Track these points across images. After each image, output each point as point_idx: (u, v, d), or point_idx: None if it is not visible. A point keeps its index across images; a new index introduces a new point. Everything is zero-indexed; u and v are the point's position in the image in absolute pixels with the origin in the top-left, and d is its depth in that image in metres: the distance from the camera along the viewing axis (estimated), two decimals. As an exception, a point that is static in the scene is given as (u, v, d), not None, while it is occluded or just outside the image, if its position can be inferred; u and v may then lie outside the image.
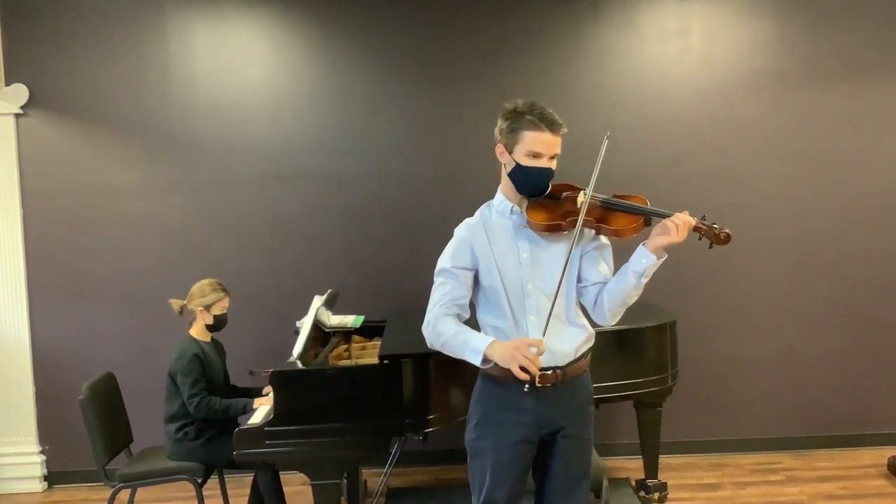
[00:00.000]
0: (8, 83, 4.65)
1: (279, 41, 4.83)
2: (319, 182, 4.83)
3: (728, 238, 2.33)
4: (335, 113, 4.84)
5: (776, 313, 4.95)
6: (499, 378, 2.39)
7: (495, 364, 2.24)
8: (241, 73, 4.80)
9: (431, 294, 2.44)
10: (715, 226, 2.34)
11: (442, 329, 2.35)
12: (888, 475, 4.53)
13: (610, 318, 2.45)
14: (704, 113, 4.89)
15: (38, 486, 4.76)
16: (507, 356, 2.19)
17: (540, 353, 2.19)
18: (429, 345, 2.40)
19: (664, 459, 4.38)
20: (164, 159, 4.79)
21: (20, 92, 4.65)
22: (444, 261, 2.47)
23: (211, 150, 4.80)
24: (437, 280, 2.46)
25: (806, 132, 4.91)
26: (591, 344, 2.52)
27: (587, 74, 4.86)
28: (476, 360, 2.27)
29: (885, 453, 4.68)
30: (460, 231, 2.51)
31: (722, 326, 4.94)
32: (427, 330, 2.39)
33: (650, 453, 4.22)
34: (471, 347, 2.27)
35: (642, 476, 4.27)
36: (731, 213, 4.84)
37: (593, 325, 2.54)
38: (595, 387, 3.57)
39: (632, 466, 4.60)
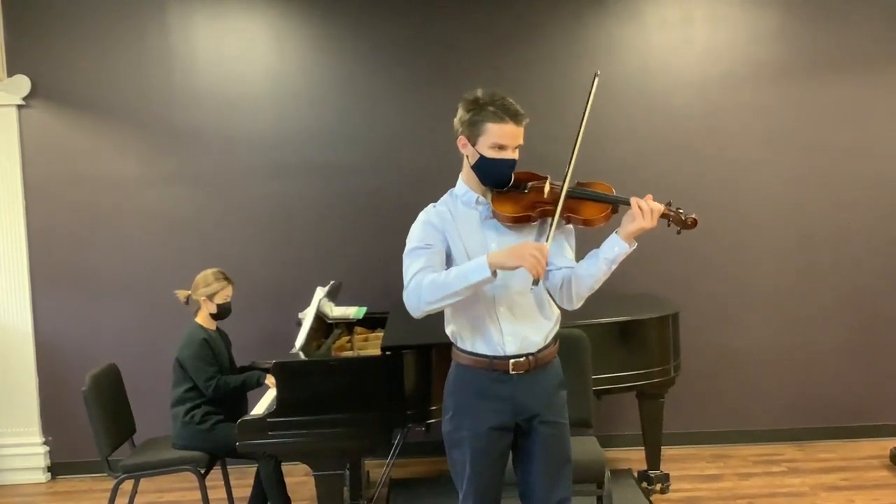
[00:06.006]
0: (10, 74, 4.65)
1: (280, 32, 4.82)
2: (321, 173, 4.83)
3: (695, 223, 2.34)
4: (337, 103, 4.83)
5: (778, 304, 4.94)
6: (471, 367, 2.43)
7: (494, 276, 2.20)
8: (243, 63, 4.79)
9: (404, 273, 2.36)
10: (681, 211, 2.35)
11: (429, 278, 2.27)
12: (890, 466, 4.53)
13: (576, 303, 2.44)
14: (707, 103, 4.87)
15: (42, 476, 4.78)
16: (515, 254, 2.17)
17: (543, 256, 2.17)
18: (415, 309, 2.30)
19: (666, 450, 4.38)
20: (165, 150, 4.79)
21: (22, 83, 4.65)
22: (412, 241, 2.42)
23: (213, 141, 4.80)
24: (408, 260, 2.38)
25: (809, 123, 4.89)
26: (557, 328, 2.52)
27: (589, 65, 4.80)
28: (484, 273, 2.20)
29: (887, 444, 4.68)
30: (428, 215, 2.48)
31: (724, 318, 4.93)
32: (410, 294, 2.30)
33: (652, 444, 4.23)
34: (471, 268, 2.23)
35: (644, 467, 4.28)
36: (733, 203, 4.86)
37: (576, 313, 2.54)
38: (598, 378, 3.64)
39: (634, 457, 4.61)
